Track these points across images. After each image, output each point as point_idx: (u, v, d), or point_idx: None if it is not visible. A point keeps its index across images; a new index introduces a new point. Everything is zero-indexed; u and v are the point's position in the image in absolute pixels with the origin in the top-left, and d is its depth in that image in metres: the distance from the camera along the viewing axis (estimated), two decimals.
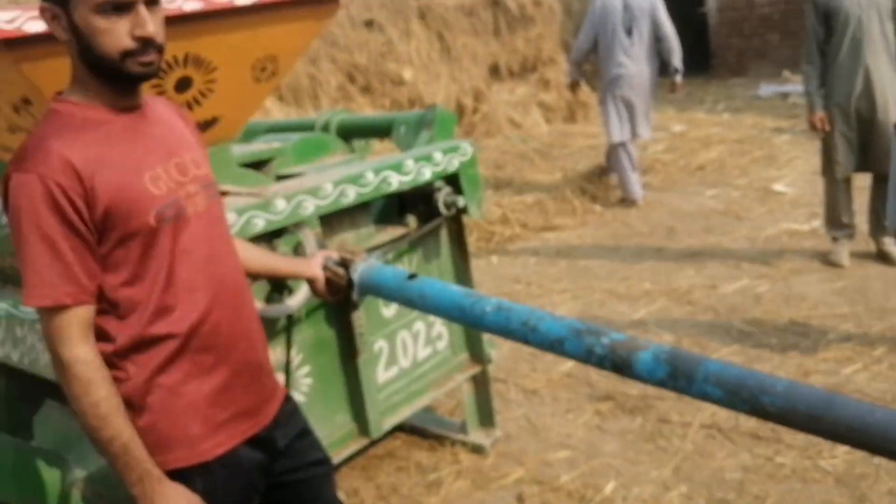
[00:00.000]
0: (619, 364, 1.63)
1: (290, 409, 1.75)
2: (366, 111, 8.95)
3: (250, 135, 3.72)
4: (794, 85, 9.85)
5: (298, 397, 2.49)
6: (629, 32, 6.09)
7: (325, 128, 3.45)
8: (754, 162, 7.05)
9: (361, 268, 1.98)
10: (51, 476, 2.15)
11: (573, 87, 7.06)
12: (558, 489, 2.84)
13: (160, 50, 1.49)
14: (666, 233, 5.61)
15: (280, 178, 2.88)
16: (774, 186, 6.30)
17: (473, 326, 1.85)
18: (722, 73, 12.06)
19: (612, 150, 6.40)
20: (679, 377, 1.55)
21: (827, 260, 4.65)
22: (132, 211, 1.43)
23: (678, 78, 6.21)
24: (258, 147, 3.03)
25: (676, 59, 6.15)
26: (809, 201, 5.75)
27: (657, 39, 6.14)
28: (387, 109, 9.07)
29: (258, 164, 2.93)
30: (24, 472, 2.14)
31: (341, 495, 2.85)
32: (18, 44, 1.68)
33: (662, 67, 6.28)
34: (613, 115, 6.23)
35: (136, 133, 1.50)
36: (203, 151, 1.67)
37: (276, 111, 8.17)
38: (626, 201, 6.38)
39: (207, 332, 1.53)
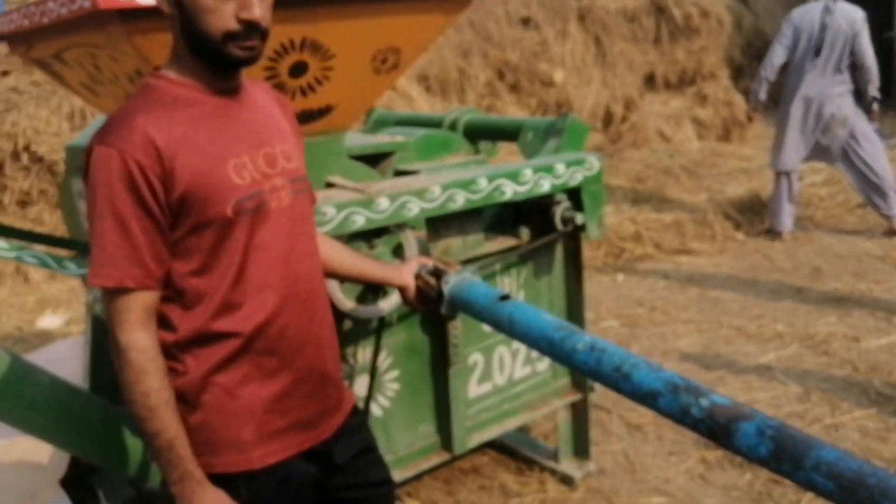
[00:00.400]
0: (717, 431, 1.44)
1: (355, 423, 1.66)
2: (511, 110, 8.84)
3: (379, 125, 3.69)
4: None
5: (383, 401, 2.42)
6: (817, 53, 5.62)
7: (453, 126, 3.36)
8: None
9: (453, 281, 1.86)
10: (133, 443, 2.16)
11: (751, 112, 6.37)
12: None
13: (264, 36, 1.42)
14: (811, 273, 5.19)
15: (398, 173, 2.81)
16: None
17: (561, 363, 1.69)
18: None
19: (775, 176, 5.97)
20: (784, 459, 1.34)
21: None
22: (209, 199, 1.37)
23: (875, 106, 5.71)
24: (381, 139, 2.97)
25: (874, 89, 5.63)
26: None
27: (854, 67, 5.63)
28: (532, 110, 8.92)
29: (378, 157, 2.87)
30: (109, 436, 2.15)
31: None
32: (131, 15, 1.66)
33: (857, 96, 5.75)
34: (785, 140, 5.80)
35: (228, 117, 1.44)
36: (299, 144, 1.60)
37: (421, 101, 8.18)
38: (772, 233, 5.96)
39: (273, 335, 1.45)
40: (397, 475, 2.44)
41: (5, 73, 6.28)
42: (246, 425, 1.44)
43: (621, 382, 1.57)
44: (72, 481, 2.73)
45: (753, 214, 6.36)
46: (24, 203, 5.95)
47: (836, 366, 3.84)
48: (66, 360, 3.59)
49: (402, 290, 1.91)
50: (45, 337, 4.65)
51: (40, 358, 3.72)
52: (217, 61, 1.40)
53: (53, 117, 5.93)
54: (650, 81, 9.70)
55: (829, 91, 5.65)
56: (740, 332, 4.31)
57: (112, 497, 2.60)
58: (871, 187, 5.71)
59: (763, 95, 6.04)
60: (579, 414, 2.95)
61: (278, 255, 1.46)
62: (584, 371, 1.62)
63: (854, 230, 5.99)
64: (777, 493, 2.83)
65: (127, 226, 1.32)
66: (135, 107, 1.38)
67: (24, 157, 5.87)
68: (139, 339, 1.35)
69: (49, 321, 4.86)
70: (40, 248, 4.04)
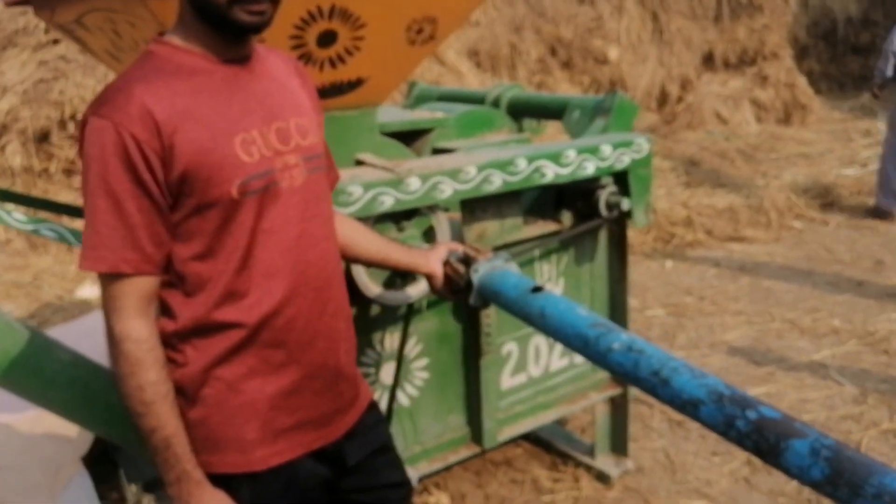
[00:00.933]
0: (764, 448, 1.30)
1: (370, 421, 1.55)
2: (563, 87, 8.63)
3: (421, 100, 3.56)
4: None
5: (411, 390, 2.31)
6: None
7: (496, 102, 3.22)
8: None
9: (483, 269, 1.74)
10: None
11: (878, 90, 5.92)
12: None
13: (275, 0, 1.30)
14: (872, 265, 4.93)
15: (437, 150, 2.69)
16: None
17: (595, 363, 1.56)
18: None
19: (884, 154, 5.74)
20: (840, 484, 1.20)
21: None
22: (213, 178, 1.26)
23: None
24: (418, 115, 2.84)
25: None
26: None
27: None
28: (585, 88, 8.70)
29: (415, 134, 2.75)
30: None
31: (446, 498, 2.67)
32: None
33: None
34: None
35: (236, 88, 1.32)
36: (318, 119, 1.48)
37: (471, 77, 8.02)
38: (878, 211, 5.72)
39: (281, 326, 1.34)
40: (424, 467, 2.34)
41: (55, 42, 6.29)
42: (249, 423, 1.33)
43: (659, 388, 1.43)
44: (97, 457, 2.69)
45: (812, 202, 6.10)
46: (69, 172, 5.97)
47: None
48: (102, 331, 3.57)
49: (430, 278, 1.79)
50: (85, 307, 4.65)
51: (76, 328, 3.70)
52: (223, 26, 1.28)
53: (100, 86, 5.91)
54: (708, 60, 9.39)
55: None
56: (793, 326, 4.11)
57: (134, 476, 2.56)
58: None
59: (890, 72, 5.71)
60: (618, 408, 2.81)
61: (288, 239, 1.34)
62: (619, 373, 1.49)
63: None
64: (827, 502, 2.66)
65: (122, 205, 1.21)
66: (133, 75, 1.26)
67: (71, 126, 5.88)
68: (135, 329, 1.25)
69: (89, 291, 4.87)
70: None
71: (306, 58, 1.96)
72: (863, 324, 4.07)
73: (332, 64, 2.00)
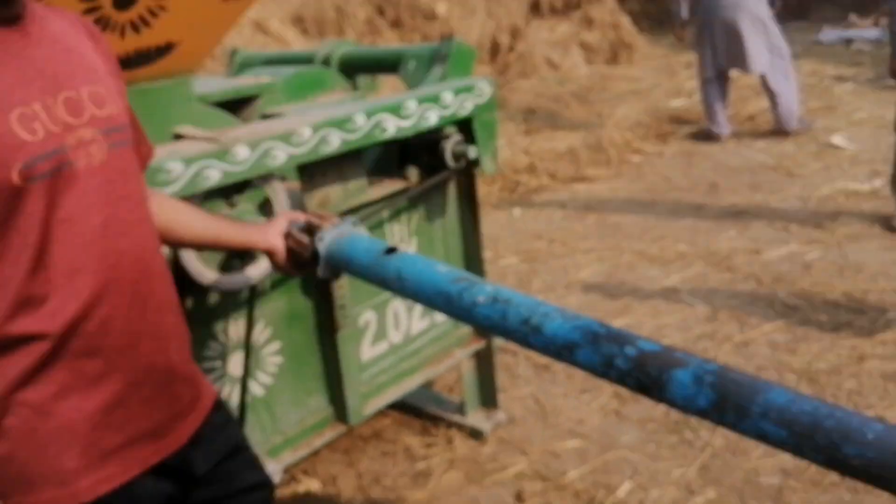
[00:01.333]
0: (647, 384, 1.23)
1: (219, 422, 1.38)
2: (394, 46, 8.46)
3: (244, 67, 3.33)
4: (860, 31, 9.20)
5: (265, 379, 2.15)
6: None
7: (326, 61, 3.04)
8: (811, 113, 6.44)
9: (329, 236, 1.59)
10: None
11: (680, 32, 6.31)
12: (564, 487, 2.49)
13: None
14: (707, 189, 5.14)
15: (266, 117, 2.49)
16: (832, 140, 5.74)
17: (461, 320, 1.46)
18: (781, 16, 11.22)
19: (702, 84, 6.08)
20: (727, 409, 1.14)
21: (889, 225, 4.16)
22: None
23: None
24: (243, 81, 2.62)
25: None
26: (871, 158, 5.23)
27: None
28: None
29: (241, 102, 2.54)
30: None
31: (316, 483, 2.53)
32: None
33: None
34: (707, 47, 5.89)
35: (6, 55, 1.10)
36: (116, 85, 1.27)
37: (297, 45, 7.71)
38: (711, 136, 6.05)
39: (93, 331, 1.14)
40: (288, 457, 2.19)
41: None
42: (68, 450, 1.13)
43: (531, 336, 1.35)
44: None
45: (646, 135, 6.30)
46: None
47: (741, 281, 3.78)
48: None
49: (270, 255, 1.61)
50: None
51: None
52: None
53: None
54: (536, 8, 9.47)
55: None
56: (643, 256, 4.21)
57: None
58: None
59: (685, 13, 6.03)
60: (484, 362, 2.76)
61: (93, 227, 1.14)
62: (487, 327, 1.39)
63: (745, 143, 5.98)
64: (694, 422, 2.73)
65: None
66: None
67: None
68: None
69: None
70: None
71: (103, 23, 1.73)
72: (706, 245, 4.22)
73: (135, 28, 1.77)
